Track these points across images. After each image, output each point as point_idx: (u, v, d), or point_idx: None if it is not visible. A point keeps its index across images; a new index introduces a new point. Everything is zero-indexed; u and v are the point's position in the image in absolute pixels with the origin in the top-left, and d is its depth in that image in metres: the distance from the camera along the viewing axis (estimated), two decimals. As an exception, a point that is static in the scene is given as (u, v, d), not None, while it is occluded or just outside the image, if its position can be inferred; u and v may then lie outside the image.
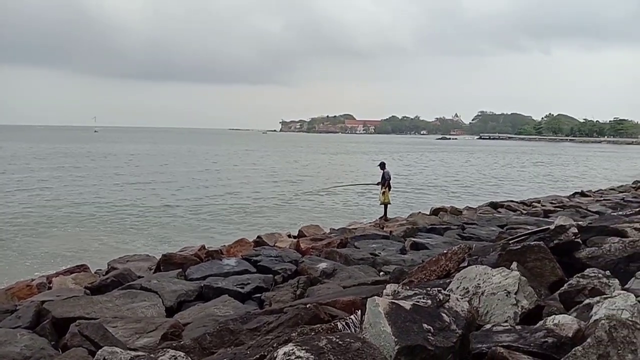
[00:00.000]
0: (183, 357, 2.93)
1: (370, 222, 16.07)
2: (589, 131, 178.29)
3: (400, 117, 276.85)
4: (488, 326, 3.26)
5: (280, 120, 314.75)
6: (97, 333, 4.82)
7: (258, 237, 12.30)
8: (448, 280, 4.40)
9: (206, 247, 10.82)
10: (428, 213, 16.89)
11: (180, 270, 8.71)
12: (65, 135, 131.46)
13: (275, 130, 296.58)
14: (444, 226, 13.36)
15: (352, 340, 2.63)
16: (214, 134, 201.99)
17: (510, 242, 5.41)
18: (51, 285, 8.66)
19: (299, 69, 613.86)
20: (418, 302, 3.12)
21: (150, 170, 37.97)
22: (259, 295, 7.40)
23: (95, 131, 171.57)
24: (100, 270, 10.29)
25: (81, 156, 54.18)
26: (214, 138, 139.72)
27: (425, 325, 2.86)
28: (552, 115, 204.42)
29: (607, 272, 4.17)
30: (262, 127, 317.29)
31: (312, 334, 3.16)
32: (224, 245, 11.59)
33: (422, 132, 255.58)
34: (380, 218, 16.65)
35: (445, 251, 5.40)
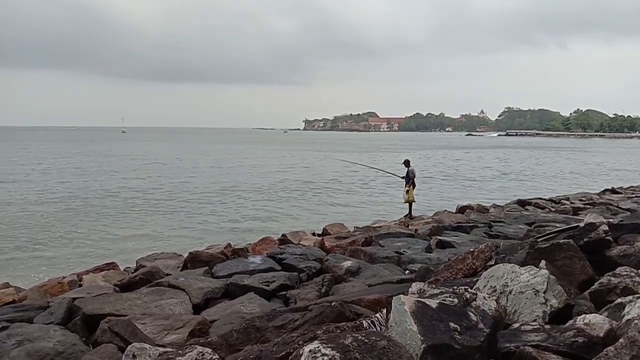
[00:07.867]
0: (210, 354, 2.96)
1: (394, 221, 15.98)
2: (620, 126, 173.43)
3: (424, 114, 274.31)
4: (516, 325, 3.21)
5: (304, 119, 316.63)
6: (126, 329, 4.90)
7: (283, 235, 12.36)
8: (475, 279, 4.34)
9: (232, 245, 10.91)
10: (454, 211, 16.73)
11: (207, 267, 8.78)
12: (96, 136, 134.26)
13: (298, 129, 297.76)
14: (471, 224, 13.18)
15: (377, 339, 2.62)
16: (238, 133, 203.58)
17: (538, 240, 5.31)
18: (82, 282, 8.82)
19: (315, 69, 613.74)
20: (444, 300, 3.09)
21: (182, 172, 38.26)
22: (284, 292, 7.41)
23: (123, 132, 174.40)
24: (129, 268, 10.45)
25: (119, 156, 55.32)
26: (237, 137, 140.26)
27: (452, 324, 2.83)
28: (581, 110, 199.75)
29: (640, 271, 4.06)
30: (285, 126, 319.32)
31: (338, 331, 3.16)
32: (250, 244, 11.67)
33: (447, 129, 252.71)
34: (405, 216, 16.55)
35: (472, 249, 5.33)
